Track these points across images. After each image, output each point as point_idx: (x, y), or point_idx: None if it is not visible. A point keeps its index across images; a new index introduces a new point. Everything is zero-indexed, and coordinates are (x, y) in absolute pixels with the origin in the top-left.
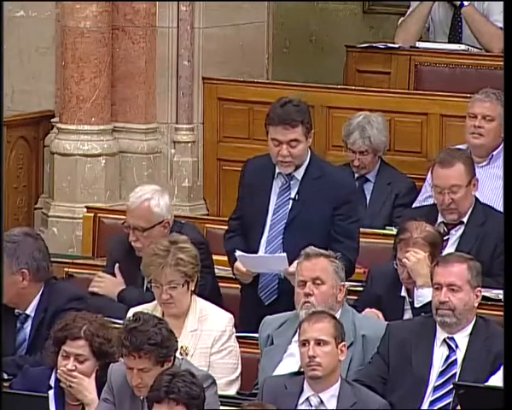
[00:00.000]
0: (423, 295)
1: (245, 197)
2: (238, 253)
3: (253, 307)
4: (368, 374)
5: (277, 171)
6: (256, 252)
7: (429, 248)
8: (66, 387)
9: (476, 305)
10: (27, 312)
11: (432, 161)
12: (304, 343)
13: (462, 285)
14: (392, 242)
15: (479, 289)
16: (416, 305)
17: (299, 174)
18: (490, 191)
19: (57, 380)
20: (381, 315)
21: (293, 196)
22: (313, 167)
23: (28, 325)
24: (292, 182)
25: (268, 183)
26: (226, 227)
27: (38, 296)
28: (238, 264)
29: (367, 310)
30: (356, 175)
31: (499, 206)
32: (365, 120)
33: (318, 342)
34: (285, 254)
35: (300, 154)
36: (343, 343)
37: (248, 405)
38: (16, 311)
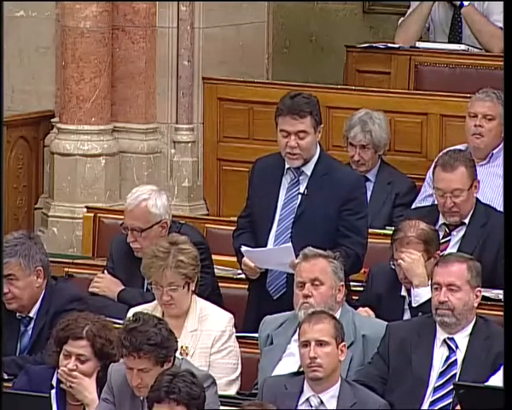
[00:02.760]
0: (420, 294)
1: (254, 195)
2: (244, 248)
3: (262, 304)
4: (368, 374)
5: (286, 166)
6: (264, 247)
7: (423, 245)
8: (67, 387)
9: (476, 305)
10: (30, 315)
11: (432, 161)
12: (304, 344)
13: (462, 285)
14: None
15: (478, 289)
16: (414, 305)
17: (309, 170)
18: (490, 190)
19: (59, 380)
20: (371, 313)
21: (301, 190)
22: (322, 164)
23: (31, 328)
24: (301, 177)
25: (277, 180)
26: (226, 227)
27: (40, 299)
28: (246, 259)
29: (360, 309)
30: None
31: (499, 204)
32: (367, 116)
33: (319, 343)
34: (290, 245)
35: (308, 147)
36: (343, 343)
37: (248, 404)
38: (18, 314)
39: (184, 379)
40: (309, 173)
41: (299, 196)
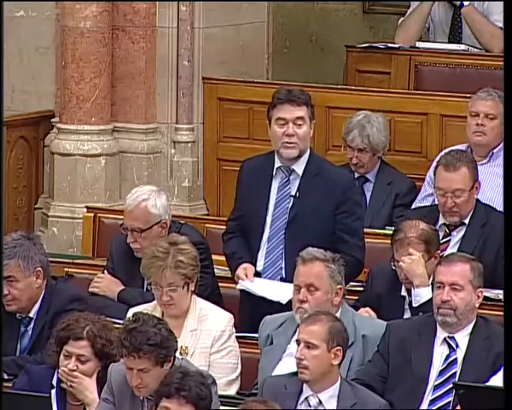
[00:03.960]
0: (420, 294)
1: (243, 198)
2: (241, 284)
3: (256, 304)
4: (368, 373)
5: (276, 166)
6: (257, 251)
7: (424, 245)
8: (68, 387)
9: (477, 305)
10: (30, 315)
11: (432, 161)
12: (297, 344)
13: (465, 285)
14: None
15: (480, 289)
16: (414, 305)
17: (300, 169)
18: (490, 190)
19: (59, 379)
20: (372, 313)
21: (293, 192)
22: (313, 164)
23: (31, 328)
24: (292, 177)
25: (267, 181)
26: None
27: (40, 299)
28: (240, 272)
29: (361, 310)
30: (355, 175)
31: (499, 204)
32: (365, 119)
33: (307, 345)
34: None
35: (305, 136)
36: (337, 347)
37: (252, 400)
38: (18, 315)
39: (195, 379)
40: (300, 173)
41: (292, 199)
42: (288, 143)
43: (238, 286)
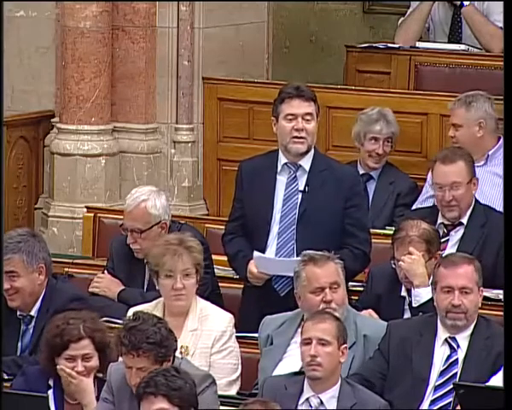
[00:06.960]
0: (420, 294)
1: (245, 198)
2: (256, 254)
3: (265, 302)
4: (368, 369)
5: (282, 162)
6: (264, 249)
7: (425, 245)
8: (66, 387)
9: (480, 305)
10: (31, 313)
11: (432, 161)
12: (307, 342)
13: (473, 287)
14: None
15: (482, 289)
16: (414, 305)
17: (307, 165)
18: (489, 190)
19: (56, 380)
20: (375, 316)
21: (301, 187)
22: (318, 160)
23: (32, 327)
24: (298, 173)
25: (270, 179)
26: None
27: (41, 298)
28: (252, 267)
29: (363, 312)
30: (361, 172)
31: (499, 204)
32: (383, 111)
33: (321, 343)
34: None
35: (313, 132)
36: (344, 345)
37: (252, 402)
38: (19, 314)
39: (164, 373)
40: (307, 168)
41: (300, 194)
42: (297, 137)
43: (254, 256)
